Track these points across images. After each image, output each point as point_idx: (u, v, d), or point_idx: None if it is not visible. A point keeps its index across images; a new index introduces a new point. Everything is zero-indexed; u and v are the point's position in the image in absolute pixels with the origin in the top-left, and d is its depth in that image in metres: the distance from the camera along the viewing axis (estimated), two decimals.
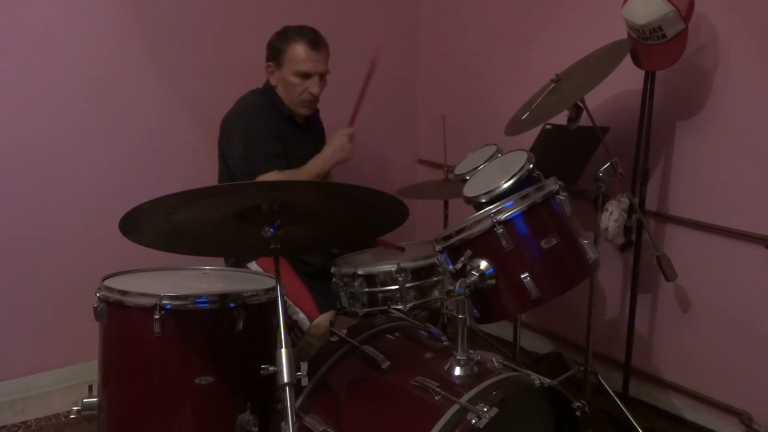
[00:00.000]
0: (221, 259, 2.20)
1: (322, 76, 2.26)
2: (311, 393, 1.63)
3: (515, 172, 1.67)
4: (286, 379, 1.30)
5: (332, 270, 2.03)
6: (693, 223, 2.25)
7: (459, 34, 3.13)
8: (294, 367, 1.33)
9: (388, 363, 1.57)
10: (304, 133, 2.35)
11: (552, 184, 1.62)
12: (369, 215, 1.56)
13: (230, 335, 1.58)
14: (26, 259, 2.42)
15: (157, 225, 1.44)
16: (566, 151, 2.37)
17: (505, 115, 2.24)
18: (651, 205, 2.34)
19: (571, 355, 2.66)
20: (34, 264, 2.43)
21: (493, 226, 1.52)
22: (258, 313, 1.64)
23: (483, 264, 1.54)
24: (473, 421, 1.30)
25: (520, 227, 1.55)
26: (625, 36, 2.16)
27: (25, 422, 2.35)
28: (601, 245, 2.22)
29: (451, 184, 2.50)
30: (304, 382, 1.36)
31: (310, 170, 2.18)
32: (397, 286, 1.92)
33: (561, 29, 2.63)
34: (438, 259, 1.68)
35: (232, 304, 1.57)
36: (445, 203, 2.69)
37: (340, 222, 1.59)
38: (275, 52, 2.23)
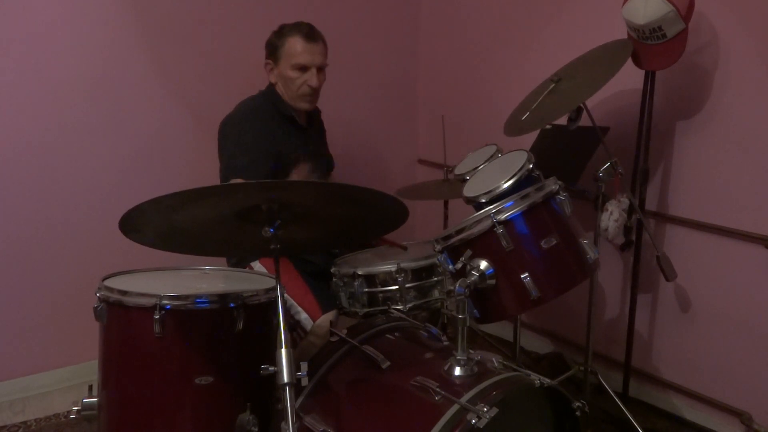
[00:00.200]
0: (222, 259, 2.20)
1: (320, 69, 2.25)
2: (311, 393, 1.63)
3: (515, 172, 1.67)
4: (286, 379, 1.31)
5: (332, 270, 2.03)
6: (693, 223, 2.25)
7: (459, 34, 3.13)
8: (294, 367, 1.33)
9: (388, 363, 1.57)
10: (305, 133, 2.35)
11: (552, 184, 1.62)
12: (369, 215, 1.56)
13: (230, 335, 1.58)
14: (26, 259, 2.42)
15: (156, 225, 1.44)
16: (566, 151, 2.37)
17: (505, 115, 2.24)
18: (651, 205, 2.33)
19: (571, 355, 2.67)
20: (34, 264, 2.43)
21: (493, 226, 1.52)
22: (258, 313, 1.64)
23: (483, 264, 1.54)
24: (473, 421, 1.30)
25: (520, 227, 1.55)
26: (625, 36, 2.16)
27: (25, 422, 2.35)
28: (601, 245, 2.22)
29: (451, 184, 2.50)
30: (304, 382, 1.36)
31: None
32: (397, 286, 1.92)
33: (561, 29, 2.63)
34: (438, 259, 1.68)
35: (232, 304, 1.57)
36: (445, 203, 2.69)
37: (341, 222, 1.59)
38: (272, 49, 2.24)
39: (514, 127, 2.14)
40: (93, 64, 2.44)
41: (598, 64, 2.08)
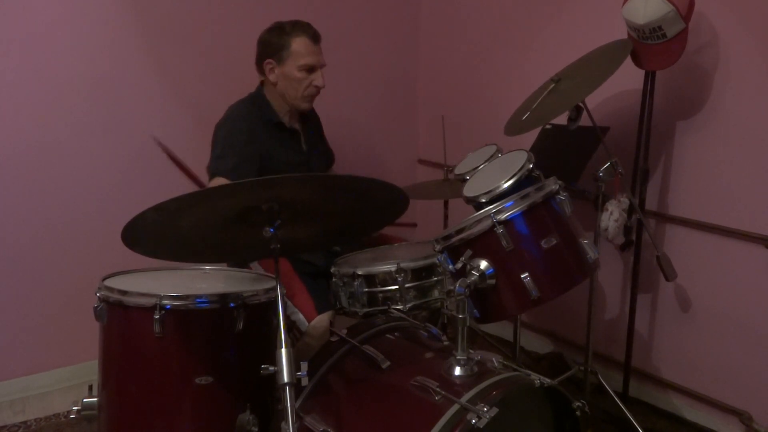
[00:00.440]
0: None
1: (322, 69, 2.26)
2: (311, 393, 1.63)
3: (515, 172, 1.67)
4: (286, 379, 1.30)
5: (332, 270, 2.03)
6: (693, 223, 2.25)
7: (459, 34, 3.13)
8: (294, 367, 1.33)
9: (388, 363, 1.57)
10: (295, 137, 2.33)
11: (552, 184, 1.62)
12: (369, 207, 1.56)
13: (230, 335, 1.58)
14: (26, 259, 2.42)
15: (158, 234, 1.44)
16: (566, 151, 2.37)
17: (505, 115, 2.24)
18: (651, 205, 2.33)
19: (571, 355, 2.66)
20: (34, 264, 2.43)
21: (493, 226, 1.52)
22: (258, 313, 1.64)
23: (483, 264, 1.54)
24: (473, 420, 1.30)
25: (520, 227, 1.55)
26: (625, 36, 2.16)
27: (25, 422, 2.35)
28: (601, 245, 2.22)
29: (451, 184, 2.50)
30: (304, 382, 1.36)
31: None
32: (397, 286, 1.91)
33: (561, 29, 2.63)
34: (438, 259, 1.68)
35: (232, 304, 1.57)
36: (445, 203, 2.69)
37: (341, 216, 1.58)
38: (275, 49, 2.20)
39: (514, 126, 2.14)
40: (93, 64, 2.44)
41: (598, 63, 2.08)
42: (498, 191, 1.65)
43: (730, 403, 2.22)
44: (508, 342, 2.89)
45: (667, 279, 2.14)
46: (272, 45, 2.21)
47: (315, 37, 2.22)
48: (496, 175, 1.73)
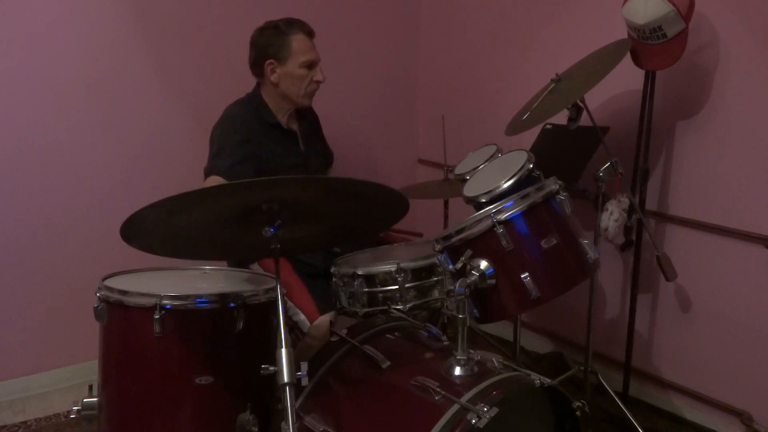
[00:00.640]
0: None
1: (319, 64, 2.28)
2: (311, 393, 1.63)
3: (515, 172, 1.67)
4: (286, 379, 1.30)
5: (332, 270, 2.03)
6: (693, 223, 2.25)
7: (459, 34, 3.13)
8: (294, 366, 1.33)
9: (388, 363, 1.57)
10: (292, 138, 2.33)
11: (552, 184, 1.62)
12: (369, 210, 1.56)
13: (230, 335, 1.58)
14: (26, 259, 2.42)
15: (157, 229, 1.44)
16: (566, 151, 2.37)
17: (505, 115, 2.24)
18: (651, 205, 2.33)
19: (571, 355, 2.67)
20: (34, 264, 2.43)
21: (493, 225, 1.52)
22: (258, 313, 1.64)
23: (483, 264, 1.54)
24: (473, 420, 1.30)
25: (520, 227, 1.55)
26: (625, 36, 2.16)
27: (25, 422, 2.35)
28: (601, 245, 2.22)
29: (451, 184, 2.50)
30: (304, 382, 1.36)
31: None
32: (397, 286, 1.91)
33: (561, 29, 2.63)
34: (438, 259, 1.68)
35: (232, 304, 1.57)
36: (445, 203, 2.69)
37: (341, 218, 1.58)
38: (275, 49, 2.19)
39: (514, 126, 2.14)
40: (93, 64, 2.44)
41: (598, 62, 2.08)
42: (498, 191, 1.65)
43: (730, 403, 2.22)
44: (508, 342, 2.89)
45: (667, 279, 2.14)
46: (271, 45, 2.20)
47: (311, 34, 2.23)
48: (496, 175, 1.73)
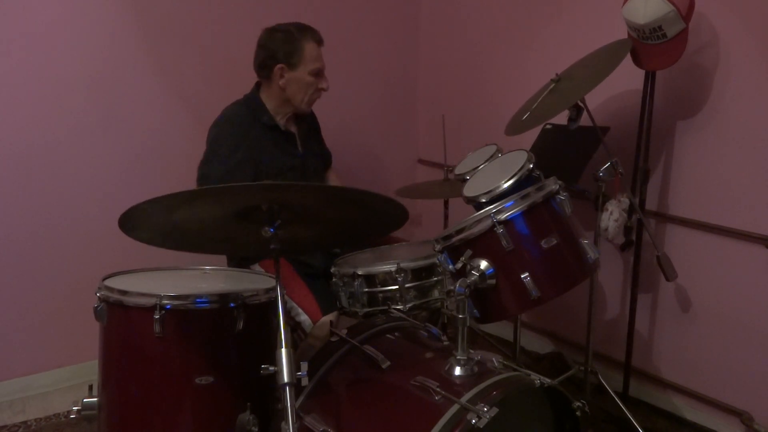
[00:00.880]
0: (222, 259, 2.20)
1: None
2: (311, 393, 1.63)
3: (515, 171, 1.67)
4: (286, 379, 1.30)
5: (332, 270, 2.03)
6: (693, 223, 2.25)
7: (459, 34, 3.13)
8: (294, 366, 1.33)
9: (389, 363, 1.57)
10: (290, 140, 2.32)
11: (552, 184, 1.62)
12: (368, 217, 1.56)
13: (230, 335, 1.58)
14: (26, 259, 2.42)
15: (156, 223, 1.44)
16: (566, 151, 2.37)
17: (505, 115, 2.24)
18: (651, 205, 2.33)
19: (571, 355, 2.67)
20: (34, 264, 2.43)
21: (493, 225, 1.52)
22: (258, 313, 1.64)
23: (483, 264, 1.54)
24: (473, 420, 1.30)
25: (520, 227, 1.55)
26: (625, 36, 2.16)
27: (25, 422, 2.35)
28: (601, 245, 2.22)
29: (451, 184, 2.50)
30: (304, 382, 1.36)
31: None
32: (397, 286, 1.91)
33: (561, 29, 2.63)
34: (438, 259, 1.68)
35: (232, 304, 1.57)
36: (445, 203, 2.69)
37: (340, 223, 1.59)
38: (285, 54, 2.19)
39: (514, 126, 2.14)
40: (93, 64, 2.44)
41: (598, 62, 2.08)
42: (498, 191, 1.65)
43: (730, 403, 2.22)
44: (508, 342, 2.89)
45: (667, 279, 2.14)
46: (282, 50, 2.19)
47: (321, 42, 2.24)
48: (496, 175, 1.73)
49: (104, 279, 1.66)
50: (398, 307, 1.92)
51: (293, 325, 2.02)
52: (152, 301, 1.51)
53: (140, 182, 2.57)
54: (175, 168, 2.65)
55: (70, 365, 2.53)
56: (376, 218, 1.58)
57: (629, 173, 2.28)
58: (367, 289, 1.94)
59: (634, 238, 2.34)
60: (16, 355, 2.44)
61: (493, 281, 1.54)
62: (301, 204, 1.42)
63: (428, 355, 1.68)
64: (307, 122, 2.43)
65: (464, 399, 1.37)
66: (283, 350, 1.32)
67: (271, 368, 1.33)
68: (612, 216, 2.15)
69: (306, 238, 1.64)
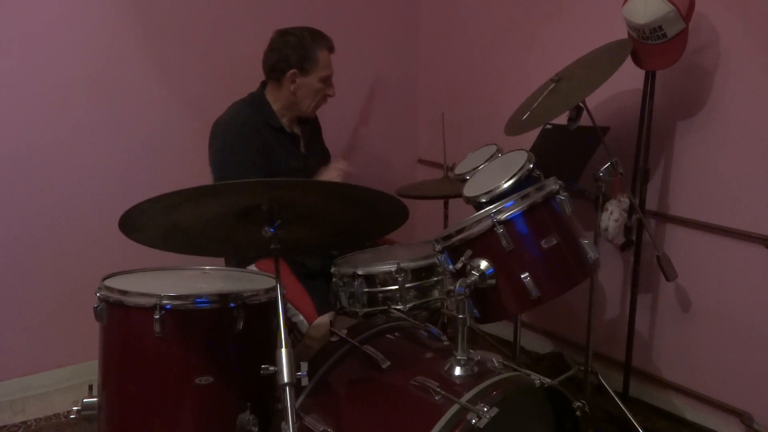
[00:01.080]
0: (222, 260, 2.20)
1: None
2: (311, 393, 1.63)
3: (515, 171, 1.67)
4: (286, 379, 1.30)
5: (332, 270, 2.03)
6: (693, 223, 2.25)
7: (459, 34, 3.13)
8: (294, 367, 1.33)
9: (388, 363, 1.57)
10: (295, 141, 2.33)
11: (552, 184, 1.62)
12: (369, 215, 1.56)
13: (230, 335, 1.58)
14: (26, 259, 2.42)
15: (157, 224, 1.44)
16: (566, 151, 2.37)
17: (505, 115, 2.24)
18: (651, 205, 2.34)
19: (571, 355, 2.66)
20: (34, 264, 2.43)
21: (494, 225, 1.52)
22: (258, 313, 1.63)
23: (483, 264, 1.54)
24: (473, 420, 1.30)
25: (520, 227, 1.55)
26: (625, 36, 2.16)
27: (25, 422, 2.35)
28: (602, 245, 2.22)
29: (451, 184, 2.50)
30: (304, 382, 1.36)
31: None
32: (397, 286, 1.91)
33: (561, 29, 2.63)
34: (438, 259, 1.68)
35: (232, 304, 1.57)
36: (445, 203, 2.69)
37: (341, 222, 1.59)
38: (298, 59, 2.19)
39: (514, 126, 2.14)
40: (93, 64, 2.44)
41: (598, 63, 2.08)
42: (498, 191, 1.66)
43: (730, 403, 2.22)
44: (508, 342, 2.89)
45: (667, 279, 2.14)
46: (296, 55, 2.20)
47: (333, 49, 2.26)
48: (496, 175, 1.73)
49: (104, 279, 1.65)
50: (398, 307, 1.92)
51: (289, 326, 2.02)
52: (152, 301, 1.51)
53: (140, 182, 2.57)
54: (175, 168, 2.65)
55: (70, 365, 2.53)
56: (376, 217, 1.58)
57: (629, 173, 2.28)
58: (367, 289, 1.94)
59: (634, 238, 2.34)
60: (16, 355, 2.44)
61: (493, 281, 1.54)
62: (301, 203, 1.42)
63: (428, 355, 1.68)
64: (310, 123, 2.44)
65: (464, 399, 1.37)
66: (283, 350, 1.32)
67: (271, 368, 1.33)
68: (612, 216, 2.15)
69: (306, 238, 1.64)
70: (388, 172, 3.33)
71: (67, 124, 2.43)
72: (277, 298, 1.39)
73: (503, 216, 1.53)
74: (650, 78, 2.19)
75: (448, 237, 1.60)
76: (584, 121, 2.04)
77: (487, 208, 1.56)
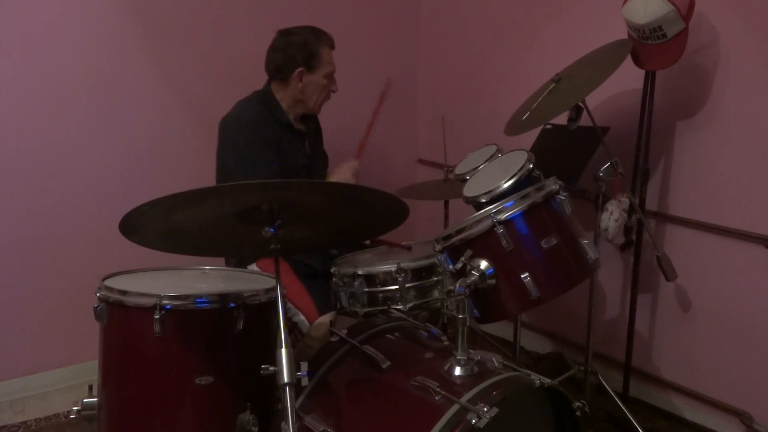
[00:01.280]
0: (221, 260, 2.20)
1: None
2: (311, 393, 1.63)
3: (515, 172, 1.67)
4: (286, 379, 1.30)
5: (332, 270, 2.03)
6: (693, 223, 2.25)
7: (459, 34, 3.13)
8: (294, 367, 1.33)
9: (388, 363, 1.57)
10: (301, 139, 2.35)
11: (552, 184, 1.62)
12: (369, 215, 1.56)
13: (230, 335, 1.58)
14: (26, 259, 2.42)
15: (157, 226, 1.44)
16: (566, 151, 2.37)
17: (505, 115, 2.24)
18: (651, 205, 2.34)
19: (571, 355, 2.67)
20: (34, 264, 2.43)
21: (494, 225, 1.52)
22: (258, 313, 1.64)
23: (483, 264, 1.54)
24: (473, 420, 1.30)
25: (520, 227, 1.55)
26: (625, 36, 2.16)
27: (25, 422, 2.35)
28: (601, 245, 2.22)
29: (451, 184, 2.50)
30: (304, 382, 1.36)
31: None
32: (397, 286, 1.92)
33: (561, 29, 2.63)
34: (438, 259, 1.68)
35: (232, 304, 1.57)
36: (445, 203, 2.69)
37: (341, 222, 1.59)
38: (305, 57, 2.22)
39: (514, 126, 2.14)
40: (93, 64, 2.44)
41: (598, 63, 2.08)
42: (498, 191, 1.66)
43: (730, 403, 2.22)
44: (508, 342, 2.89)
45: (667, 279, 2.14)
46: (302, 54, 2.22)
47: (334, 46, 2.29)
48: (496, 175, 1.73)
49: (104, 279, 1.65)
50: (398, 307, 1.92)
51: (290, 326, 2.02)
52: (152, 301, 1.51)
53: (140, 183, 2.57)
54: (176, 168, 2.65)
55: (70, 365, 2.53)
56: (376, 216, 1.58)
57: (629, 173, 2.28)
58: (367, 289, 1.94)
59: (634, 238, 2.34)
60: (16, 355, 2.44)
61: (493, 281, 1.54)
62: (301, 203, 1.42)
63: (428, 355, 1.68)
64: (313, 124, 2.45)
65: (464, 399, 1.37)
66: (283, 350, 1.32)
67: (271, 368, 1.33)
68: (612, 216, 2.15)
69: (306, 238, 1.64)
70: (388, 172, 3.33)
71: (68, 124, 2.43)
72: (277, 298, 1.39)
73: (503, 216, 1.53)
74: (650, 78, 2.19)
75: (448, 237, 1.60)
76: (584, 121, 2.04)
77: (487, 208, 1.56)
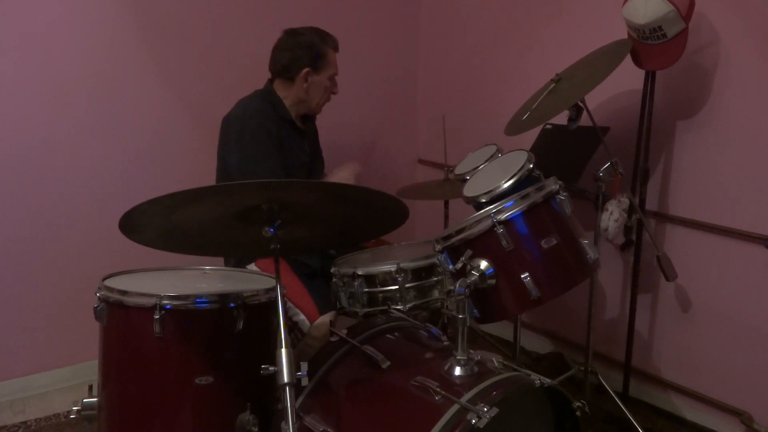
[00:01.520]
0: (221, 259, 2.20)
1: None
2: (311, 393, 1.63)
3: (515, 171, 1.67)
4: (286, 379, 1.30)
5: (332, 270, 2.03)
6: (693, 223, 2.25)
7: (459, 34, 3.13)
8: (294, 367, 1.33)
9: (388, 363, 1.57)
10: (302, 137, 2.36)
11: (552, 184, 1.62)
12: (369, 215, 1.56)
13: (230, 335, 1.58)
14: (27, 259, 2.42)
15: (157, 225, 1.44)
16: (566, 151, 2.37)
17: (505, 115, 2.24)
18: (651, 205, 2.34)
19: (571, 355, 2.67)
20: (34, 264, 2.43)
21: (494, 225, 1.52)
22: (258, 313, 1.64)
23: (483, 264, 1.54)
24: (473, 420, 1.30)
25: (520, 227, 1.55)
26: (625, 36, 2.16)
27: (25, 422, 2.35)
28: (601, 245, 2.22)
29: (451, 184, 2.50)
30: (304, 381, 1.36)
31: None
32: (397, 286, 1.91)
33: (561, 29, 2.63)
34: (438, 259, 1.68)
35: (232, 304, 1.57)
36: (445, 203, 2.69)
37: (341, 222, 1.59)
38: (312, 58, 2.24)
39: (514, 126, 2.14)
40: (93, 64, 2.44)
41: (598, 63, 2.08)
42: (498, 191, 1.65)
43: (730, 403, 2.22)
44: (508, 342, 2.89)
45: (667, 279, 2.14)
46: (309, 54, 2.24)
47: (338, 48, 2.32)
48: (496, 175, 1.73)
49: (104, 279, 1.66)
50: (398, 307, 1.92)
51: (290, 325, 2.02)
52: (152, 301, 1.51)
53: (140, 182, 2.57)
54: (175, 167, 2.65)
55: (70, 365, 2.53)
56: (376, 216, 1.58)
57: (629, 173, 2.28)
58: (367, 289, 1.94)
59: (634, 238, 2.34)
60: (16, 355, 2.44)
61: (493, 281, 1.54)
62: (301, 203, 1.42)
63: (428, 355, 1.68)
64: (311, 124, 2.45)
65: (464, 399, 1.37)
66: (283, 350, 1.32)
67: (271, 368, 1.33)
68: (612, 216, 2.15)
69: (305, 238, 1.64)
70: (388, 172, 3.33)
71: (67, 124, 2.43)
72: (277, 298, 1.39)
73: (503, 216, 1.53)
74: (650, 78, 2.19)
75: (448, 237, 1.60)
76: (584, 121, 2.04)
77: (487, 208, 1.56)
